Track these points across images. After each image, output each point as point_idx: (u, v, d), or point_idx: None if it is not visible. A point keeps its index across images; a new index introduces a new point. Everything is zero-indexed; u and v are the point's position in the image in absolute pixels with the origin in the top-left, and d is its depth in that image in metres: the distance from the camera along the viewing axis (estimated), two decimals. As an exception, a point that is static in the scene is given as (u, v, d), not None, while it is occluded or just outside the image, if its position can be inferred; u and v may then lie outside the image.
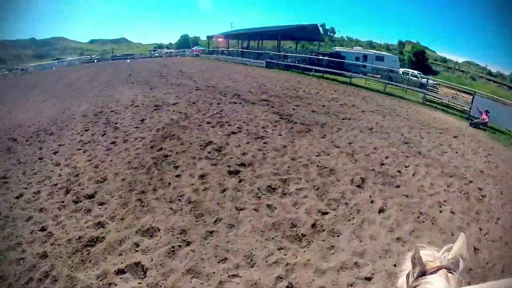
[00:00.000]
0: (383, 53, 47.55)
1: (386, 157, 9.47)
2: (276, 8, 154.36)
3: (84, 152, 9.89)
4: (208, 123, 12.24)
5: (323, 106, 15.61)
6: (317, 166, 8.36)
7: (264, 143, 9.97)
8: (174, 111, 14.26)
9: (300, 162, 8.59)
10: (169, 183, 7.43)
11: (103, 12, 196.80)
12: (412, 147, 10.78)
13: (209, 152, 9.12)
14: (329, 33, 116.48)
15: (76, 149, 10.27)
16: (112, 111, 15.03)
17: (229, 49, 56.33)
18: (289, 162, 8.55)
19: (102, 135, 11.48)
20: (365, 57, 42.23)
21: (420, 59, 56.08)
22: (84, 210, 6.47)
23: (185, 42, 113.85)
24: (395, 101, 20.36)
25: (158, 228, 5.77)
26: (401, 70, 37.26)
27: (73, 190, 7.36)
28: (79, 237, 5.56)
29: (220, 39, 67.75)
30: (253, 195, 6.87)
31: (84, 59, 77.99)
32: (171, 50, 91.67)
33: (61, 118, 14.78)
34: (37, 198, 7.13)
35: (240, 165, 8.30)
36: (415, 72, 35.35)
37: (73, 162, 9.09)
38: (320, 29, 53.09)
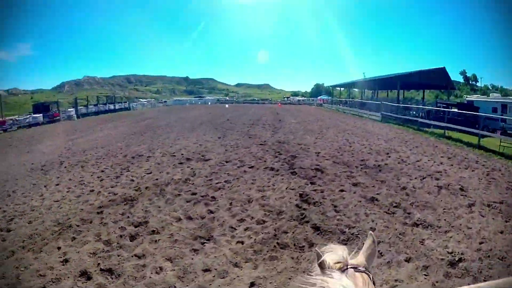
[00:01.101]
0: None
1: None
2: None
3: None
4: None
5: (403, 188, 9.21)
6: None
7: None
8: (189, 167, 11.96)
9: None
10: None
11: (251, 60, 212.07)
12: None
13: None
14: (470, 81, 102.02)
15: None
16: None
17: (350, 100, 52.05)
18: None
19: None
20: (504, 107, 31.51)
21: None
22: None
23: (318, 91, 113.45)
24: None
25: None
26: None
27: None
28: None
29: (322, 100, 64.30)
30: None
31: (218, 100, 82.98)
32: (303, 98, 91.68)
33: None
34: None
35: None
36: None
37: None
38: (457, 74, 43.79)
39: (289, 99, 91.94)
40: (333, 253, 1.41)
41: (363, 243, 1.52)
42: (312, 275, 1.33)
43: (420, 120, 26.10)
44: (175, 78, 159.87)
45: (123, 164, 13.09)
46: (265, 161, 12.66)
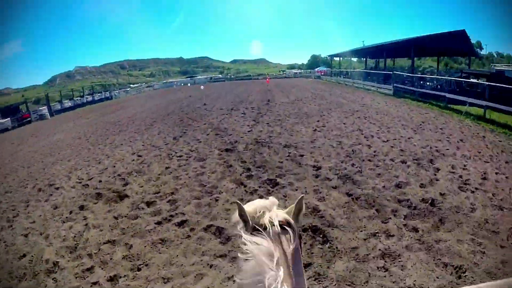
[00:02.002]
0: None
1: None
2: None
3: None
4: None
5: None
6: None
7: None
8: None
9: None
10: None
11: (245, 34, 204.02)
12: None
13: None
14: (475, 48, 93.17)
15: None
16: None
17: (353, 70, 45.52)
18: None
19: None
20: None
21: None
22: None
23: (315, 62, 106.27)
24: None
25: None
26: None
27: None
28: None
29: (320, 71, 57.96)
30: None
31: (211, 78, 76.76)
32: (299, 71, 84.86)
33: None
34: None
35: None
36: None
37: None
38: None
39: (284, 72, 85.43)
40: (257, 206, 1.40)
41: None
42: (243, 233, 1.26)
43: (448, 95, 19.60)
44: (169, 59, 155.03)
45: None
46: (220, 193, 6.98)
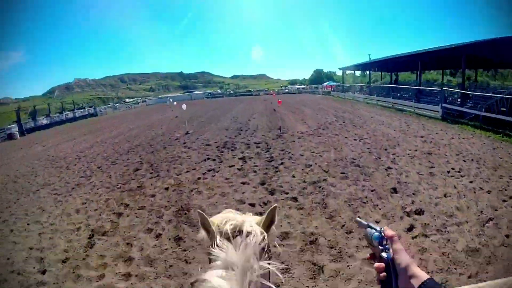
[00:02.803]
0: None
1: None
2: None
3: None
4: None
5: None
6: None
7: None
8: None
9: None
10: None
11: (246, 50, 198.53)
12: None
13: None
14: None
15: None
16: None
17: (372, 84, 37.80)
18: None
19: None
20: None
21: None
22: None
23: (318, 77, 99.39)
24: None
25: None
26: None
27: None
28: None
29: (330, 86, 50.61)
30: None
31: (210, 94, 69.65)
32: (302, 86, 77.53)
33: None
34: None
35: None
36: None
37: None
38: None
39: (286, 88, 78.24)
40: (226, 217, 1.28)
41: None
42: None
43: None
44: (169, 74, 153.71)
45: None
46: None
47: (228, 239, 1.13)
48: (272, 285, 1.07)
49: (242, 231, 1.16)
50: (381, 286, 1.07)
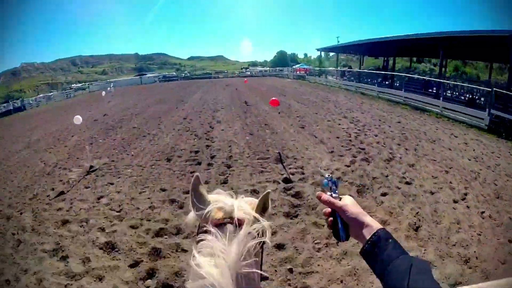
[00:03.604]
0: None
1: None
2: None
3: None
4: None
5: None
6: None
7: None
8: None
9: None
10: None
11: (203, 31, 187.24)
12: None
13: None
14: None
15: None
16: None
17: (362, 70, 30.40)
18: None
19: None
20: None
21: None
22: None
23: (282, 59, 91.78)
24: None
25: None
26: None
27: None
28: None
29: (303, 70, 42.91)
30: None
31: (164, 76, 59.73)
32: (265, 69, 69.23)
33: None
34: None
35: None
36: None
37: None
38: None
39: (247, 70, 69.62)
40: (218, 200, 1.13)
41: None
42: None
43: None
44: (124, 55, 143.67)
45: None
46: None
47: (218, 225, 1.01)
48: (263, 273, 1.01)
49: (234, 218, 1.04)
50: (333, 234, 1.08)
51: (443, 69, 24.35)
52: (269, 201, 1.17)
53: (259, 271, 0.98)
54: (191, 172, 7.53)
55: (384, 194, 6.32)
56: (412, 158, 8.39)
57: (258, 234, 1.02)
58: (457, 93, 18.62)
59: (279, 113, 14.61)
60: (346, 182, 6.78)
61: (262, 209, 1.14)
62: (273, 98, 9.85)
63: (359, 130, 11.45)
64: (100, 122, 15.18)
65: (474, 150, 9.20)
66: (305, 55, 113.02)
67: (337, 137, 10.31)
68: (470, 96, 17.03)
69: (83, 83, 64.54)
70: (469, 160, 8.20)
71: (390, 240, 0.94)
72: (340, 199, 1.10)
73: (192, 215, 1.11)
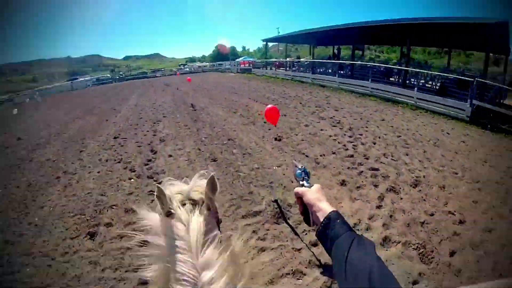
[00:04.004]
0: None
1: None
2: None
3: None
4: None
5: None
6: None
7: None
8: None
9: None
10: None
11: (138, 29, 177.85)
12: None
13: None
14: None
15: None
16: None
17: (313, 59, 27.89)
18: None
19: None
20: None
21: None
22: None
23: (221, 54, 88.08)
24: None
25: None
26: None
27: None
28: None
29: (247, 63, 40.06)
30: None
31: (97, 79, 53.38)
32: (204, 64, 65.12)
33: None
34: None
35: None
36: None
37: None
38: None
39: (186, 66, 65.11)
40: (174, 186, 1.25)
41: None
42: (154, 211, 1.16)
43: None
44: (55, 60, 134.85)
45: None
46: None
47: (177, 208, 1.09)
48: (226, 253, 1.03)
49: (191, 199, 1.16)
50: (304, 220, 1.15)
51: (402, 58, 22.93)
52: (216, 182, 1.20)
53: (218, 233, 1.08)
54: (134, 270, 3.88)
55: (452, 254, 4.02)
56: (435, 174, 6.49)
57: (211, 209, 1.15)
58: (423, 81, 17.15)
59: (248, 124, 11.57)
60: (395, 244, 4.10)
61: (211, 190, 1.19)
62: (268, 106, 6.11)
63: (350, 137, 8.85)
64: (10, 151, 10.75)
65: (476, 150, 8.25)
66: (243, 48, 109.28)
67: (333, 153, 7.54)
68: (440, 85, 15.63)
69: (10, 94, 55.23)
70: (483, 165, 7.11)
71: (339, 220, 0.97)
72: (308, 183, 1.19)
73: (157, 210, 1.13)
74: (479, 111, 11.98)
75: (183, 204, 1.11)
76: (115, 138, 10.50)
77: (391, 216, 4.80)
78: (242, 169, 6.89)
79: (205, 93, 20.09)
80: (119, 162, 8.05)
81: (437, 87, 15.93)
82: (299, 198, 1.14)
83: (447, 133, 9.90)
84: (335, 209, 1.01)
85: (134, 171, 7.25)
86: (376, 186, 5.76)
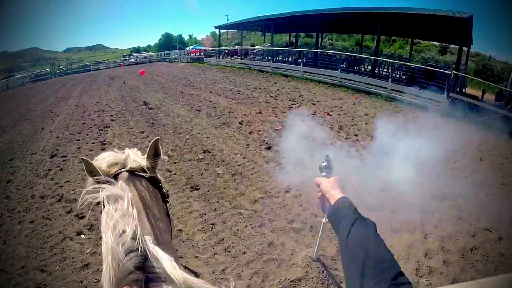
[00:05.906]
0: None
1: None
2: None
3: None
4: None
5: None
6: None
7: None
8: None
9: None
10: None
11: (78, 19, 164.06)
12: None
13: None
14: None
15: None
16: None
17: (272, 47, 25.30)
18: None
19: None
20: None
21: None
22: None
23: (168, 43, 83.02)
24: None
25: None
26: None
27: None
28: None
29: (196, 51, 37.47)
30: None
31: (36, 75, 46.89)
32: (152, 54, 60.61)
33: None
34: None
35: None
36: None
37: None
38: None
39: (131, 57, 60.24)
40: (107, 157, 1.12)
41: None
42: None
43: None
44: None
45: None
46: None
47: (114, 176, 1.01)
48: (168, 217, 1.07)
49: (126, 166, 1.06)
50: (321, 207, 1.19)
51: (358, 46, 21.75)
52: (159, 146, 1.15)
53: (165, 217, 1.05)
54: None
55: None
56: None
57: (150, 180, 1.07)
58: (388, 71, 15.98)
59: (222, 127, 9.33)
60: None
61: (153, 155, 1.13)
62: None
63: (346, 139, 7.11)
64: None
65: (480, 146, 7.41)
66: (190, 36, 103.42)
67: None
68: (410, 75, 14.66)
69: None
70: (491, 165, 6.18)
71: (347, 203, 1.02)
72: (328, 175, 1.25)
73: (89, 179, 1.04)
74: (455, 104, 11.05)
75: (117, 174, 1.01)
76: (52, 157, 7.57)
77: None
78: (240, 203, 4.81)
79: (157, 86, 17.34)
80: (59, 200, 5.35)
81: (404, 78, 14.96)
82: (318, 186, 1.19)
83: (438, 128, 8.29)
84: (345, 195, 1.06)
85: (83, 217, 4.66)
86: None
